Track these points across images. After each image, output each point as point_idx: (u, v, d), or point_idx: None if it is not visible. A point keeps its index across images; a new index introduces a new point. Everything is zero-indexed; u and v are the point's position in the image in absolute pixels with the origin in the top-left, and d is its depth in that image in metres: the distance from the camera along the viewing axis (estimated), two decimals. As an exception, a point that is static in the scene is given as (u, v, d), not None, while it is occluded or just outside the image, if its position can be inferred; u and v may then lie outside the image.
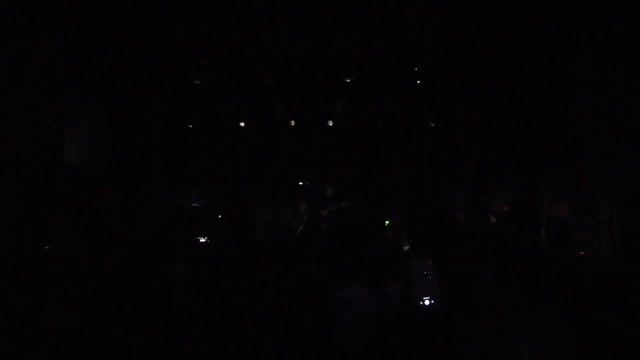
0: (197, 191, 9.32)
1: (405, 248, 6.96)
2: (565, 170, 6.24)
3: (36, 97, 6.07)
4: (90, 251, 5.36)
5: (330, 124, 10.02)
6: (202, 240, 8.29)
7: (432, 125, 9.81)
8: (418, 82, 9.09)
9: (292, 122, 9.94)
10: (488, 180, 8.38)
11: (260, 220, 8.19)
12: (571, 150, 6.09)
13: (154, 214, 7.95)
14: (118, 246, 5.64)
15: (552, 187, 6.24)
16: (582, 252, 5.19)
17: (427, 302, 1.65)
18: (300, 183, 10.07)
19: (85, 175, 6.83)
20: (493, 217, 7.02)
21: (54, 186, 6.00)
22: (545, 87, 6.39)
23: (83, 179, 6.75)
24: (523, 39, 6.38)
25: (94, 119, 7.60)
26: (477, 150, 8.87)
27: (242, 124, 9.95)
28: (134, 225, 7.06)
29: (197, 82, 8.95)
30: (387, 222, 9.31)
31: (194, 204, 8.96)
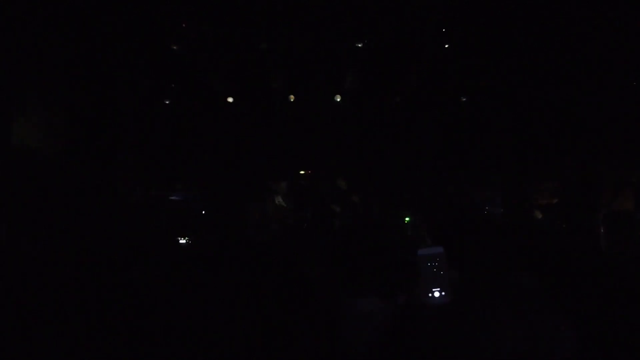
0: (178, 182, 9.35)
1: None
2: (630, 155, 6.19)
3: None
4: (45, 253, 5.35)
5: (338, 100, 10.00)
6: (182, 241, 8.32)
7: (464, 100, 9.74)
8: (446, 46, 8.98)
9: (292, 97, 9.93)
10: (533, 167, 8.34)
11: (252, 216, 8.21)
12: (637, 131, 6.02)
13: (123, 208, 7.97)
14: (78, 247, 5.63)
15: (613, 176, 6.19)
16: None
17: (436, 295, 1.71)
18: (302, 172, 10.05)
19: (39, 161, 6.83)
20: (539, 212, 7.00)
21: (1, 174, 6.00)
22: (608, 49, 6.31)
23: (36, 165, 6.75)
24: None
25: (49, 93, 7.57)
26: (519, 131, 8.81)
27: (230, 100, 9.94)
28: (98, 221, 7.07)
29: (175, 48, 8.90)
30: (406, 219, 9.30)
31: (172, 197, 9.01)
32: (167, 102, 9.82)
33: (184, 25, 8.40)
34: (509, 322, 1.71)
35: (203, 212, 9.24)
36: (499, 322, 1.71)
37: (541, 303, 1.84)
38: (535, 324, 1.72)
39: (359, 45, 9.10)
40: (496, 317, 1.72)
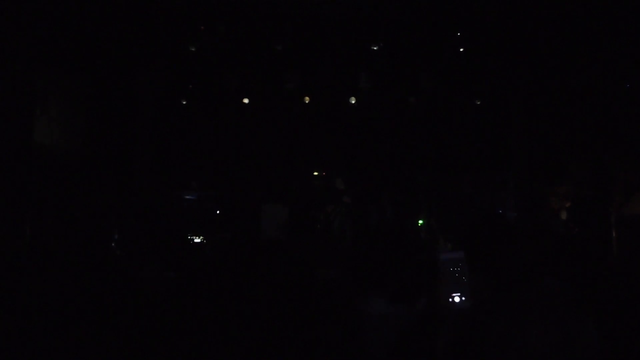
0: (193, 181, 9.40)
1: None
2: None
3: (2, 68, 6.18)
4: (66, 248, 5.46)
5: (353, 102, 9.99)
6: (197, 240, 8.37)
7: (478, 103, 9.71)
8: (461, 49, 9.00)
9: (307, 99, 9.94)
10: (545, 170, 8.29)
11: (267, 216, 8.23)
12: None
13: (140, 206, 8.04)
14: (98, 243, 5.74)
15: (624, 179, 6.15)
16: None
17: (457, 299, 1.71)
18: (316, 173, 10.07)
19: (59, 159, 6.94)
20: (564, 212, 6.93)
21: (23, 172, 6.11)
22: (619, 51, 6.30)
23: (57, 163, 6.86)
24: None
25: (69, 93, 7.70)
26: (532, 133, 8.77)
27: (245, 101, 9.98)
28: (117, 219, 7.16)
29: (192, 50, 9.00)
30: (420, 221, 9.29)
31: (187, 196, 9.04)
32: (183, 102, 9.90)
33: (202, 27, 8.49)
34: (531, 327, 1.69)
35: (218, 212, 9.25)
36: (521, 327, 1.70)
37: (565, 308, 1.77)
38: (559, 329, 1.71)
39: (374, 48, 9.15)
40: (518, 322, 1.71)
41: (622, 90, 6.44)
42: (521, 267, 1.93)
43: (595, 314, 1.83)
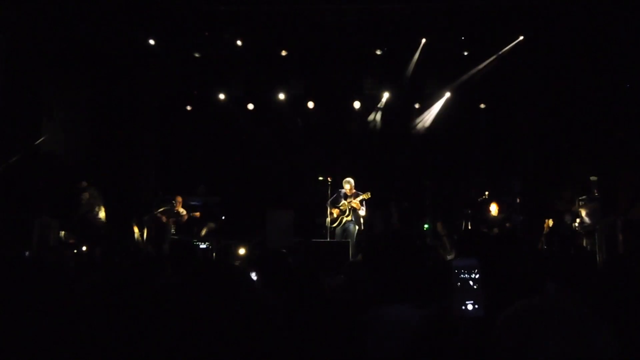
0: (200, 186, 9.40)
1: (449, 257, 6.94)
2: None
3: (8, 76, 6.25)
4: (73, 255, 5.50)
5: (357, 106, 10.00)
6: (203, 246, 8.35)
7: (483, 106, 9.71)
8: (465, 53, 9.01)
9: (311, 104, 9.95)
10: (551, 175, 8.28)
11: (273, 221, 8.22)
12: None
13: (145, 211, 8.04)
14: (104, 248, 5.79)
15: (630, 183, 6.14)
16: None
17: (470, 308, 1.68)
18: (320, 178, 10.07)
19: (66, 166, 6.96)
20: (569, 216, 6.88)
21: (31, 179, 6.16)
22: (627, 56, 6.29)
23: (64, 170, 6.88)
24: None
25: (75, 101, 7.75)
26: (537, 138, 8.76)
27: (250, 107, 9.99)
28: (121, 224, 7.19)
29: (197, 56, 9.05)
30: (425, 226, 9.28)
31: (192, 202, 9.03)
32: (188, 109, 9.94)
33: (206, 33, 8.53)
34: (546, 335, 1.65)
35: (223, 217, 9.23)
36: (536, 334, 1.66)
37: (579, 314, 1.78)
38: (575, 336, 1.65)
39: (378, 53, 9.17)
40: (533, 330, 1.66)
41: (627, 94, 6.43)
42: (529, 271, 1.92)
43: (606, 319, 1.82)
